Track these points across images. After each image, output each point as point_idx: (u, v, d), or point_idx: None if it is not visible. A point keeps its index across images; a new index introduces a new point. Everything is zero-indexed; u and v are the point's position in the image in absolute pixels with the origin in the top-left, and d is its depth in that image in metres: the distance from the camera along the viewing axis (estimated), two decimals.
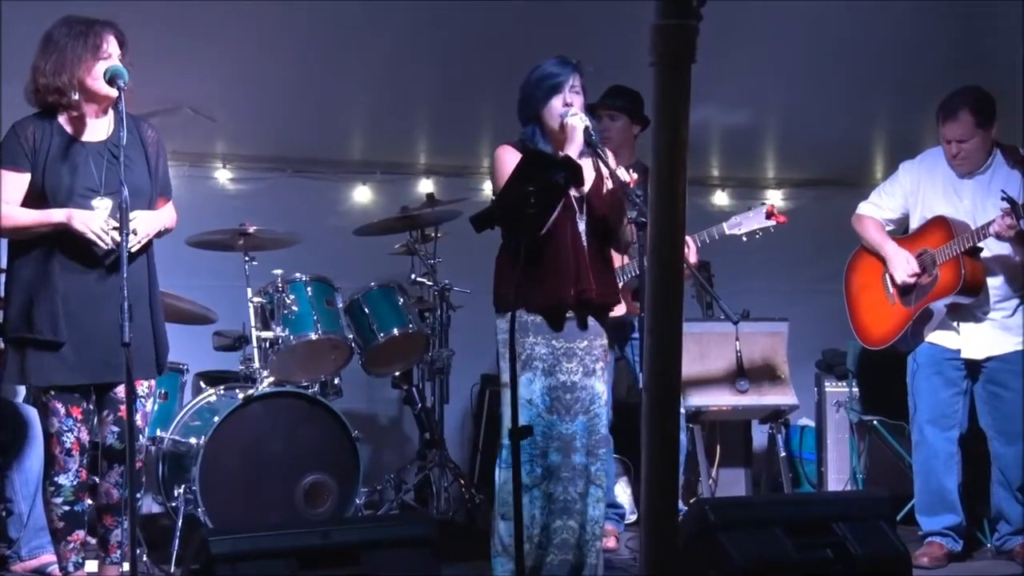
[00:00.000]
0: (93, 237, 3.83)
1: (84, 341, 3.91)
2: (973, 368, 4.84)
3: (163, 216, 4.09)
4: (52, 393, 3.94)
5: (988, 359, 4.80)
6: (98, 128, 4.01)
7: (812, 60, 5.99)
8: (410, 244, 5.83)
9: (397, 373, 5.84)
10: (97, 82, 3.90)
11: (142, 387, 4.01)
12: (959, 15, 5.67)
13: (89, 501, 4.13)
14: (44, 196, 3.91)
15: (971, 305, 4.77)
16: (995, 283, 4.77)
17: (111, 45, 3.92)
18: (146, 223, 3.94)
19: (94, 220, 3.84)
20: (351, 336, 5.36)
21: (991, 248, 4.72)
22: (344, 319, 5.37)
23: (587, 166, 4.05)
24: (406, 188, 6.60)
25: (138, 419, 3.96)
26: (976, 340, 4.80)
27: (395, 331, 5.45)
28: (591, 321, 4.10)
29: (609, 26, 5.38)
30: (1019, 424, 4.77)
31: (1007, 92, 5.22)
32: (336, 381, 5.44)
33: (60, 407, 3.94)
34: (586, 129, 4.04)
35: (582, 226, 4.08)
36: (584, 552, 4.04)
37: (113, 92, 3.86)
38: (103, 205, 3.88)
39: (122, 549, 4.05)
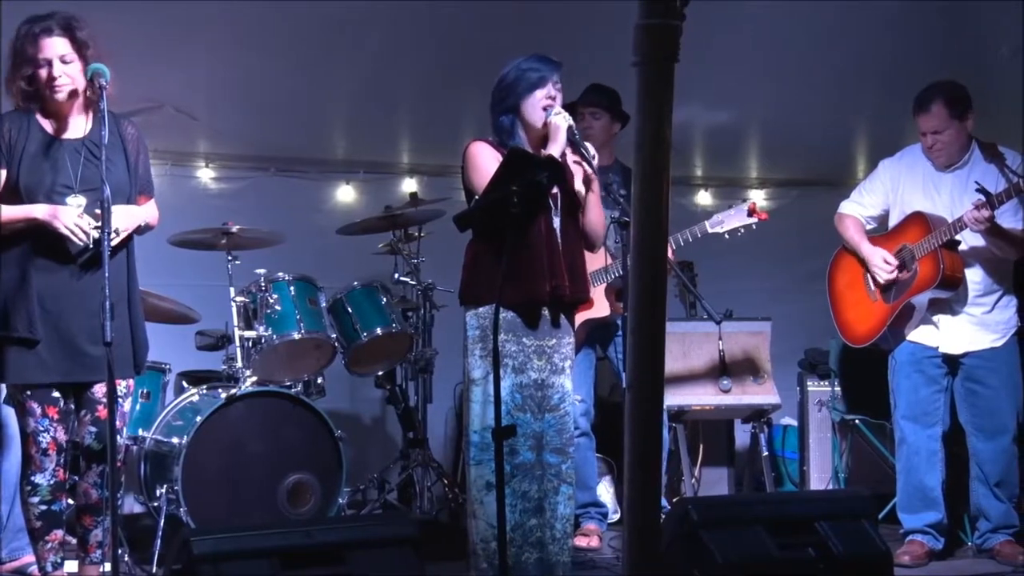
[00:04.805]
0: (66, 232, 3.81)
1: (60, 340, 3.88)
2: (952, 364, 4.86)
3: (142, 212, 4.06)
4: (28, 392, 3.92)
5: (965, 354, 4.83)
6: (76, 125, 3.99)
7: (795, 60, 6.01)
8: (393, 243, 5.83)
9: (380, 372, 5.84)
10: (43, 89, 3.88)
11: (120, 386, 3.97)
12: (942, 15, 5.69)
13: (69, 501, 4.11)
14: (19, 193, 3.88)
15: (950, 300, 4.80)
16: (975, 277, 4.80)
17: (53, 47, 3.85)
18: (124, 219, 3.91)
19: (67, 215, 3.82)
20: (334, 336, 5.35)
21: (969, 241, 4.75)
22: (327, 318, 5.36)
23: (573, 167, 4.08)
24: (389, 187, 6.60)
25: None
26: (954, 335, 4.83)
27: (378, 330, 5.44)
28: (561, 319, 4.11)
29: (591, 27, 5.39)
30: (997, 420, 4.81)
31: (992, 91, 5.25)
32: (319, 380, 5.44)
33: (36, 407, 3.91)
34: (569, 128, 4.06)
35: (557, 223, 4.08)
36: (556, 549, 4.05)
37: (61, 96, 3.86)
38: (77, 202, 3.86)
39: (102, 549, 4.03)
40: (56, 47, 3.86)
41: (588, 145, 4.13)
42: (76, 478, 4.10)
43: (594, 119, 5.27)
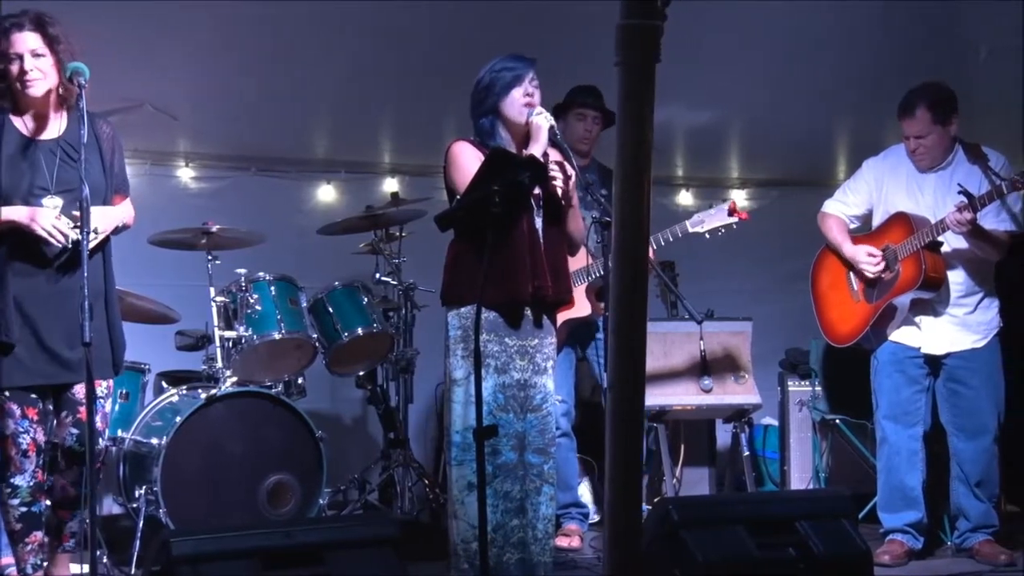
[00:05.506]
0: (44, 234, 3.79)
1: (38, 343, 3.87)
2: (934, 365, 4.88)
3: (118, 212, 4.05)
4: (7, 394, 3.89)
5: (947, 355, 4.84)
6: (51, 125, 3.97)
7: (776, 61, 6.01)
8: (375, 243, 5.80)
9: (361, 373, 5.82)
10: (14, 84, 3.86)
11: (100, 387, 3.97)
12: (925, 16, 5.70)
13: (47, 502, 4.09)
14: None
15: (932, 301, 4.81)
16: (957, 278, 4.81)
17: (24, 42, 3.83)
18: (102, 219, 3.89)
19: (45, 218, 3.80)
20: (315, 336, 5.33)
21: (951, 243, 4.77)
22: (308, 318, 5.33)
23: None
24: (371, 187, 6.58)
25: (97, 420, 3.91)
26: (936, 336, 4.84)
27: (359, 330, 5.42)
28: (544, 319, 4.11)
29: (573, 27, 5.38)
30: (978, 420, 4.82)
31: (974, 92, 5.26)
32: (300, 381, 5.41)
33: (15, 408, 3.89)
34: (551, 128, 4.06)
35: (539, 223, 4.08)
36: (537, 550, 4.05)
37: (33, 91, 3.84)
38: (53, 204, 3.84)
39: (76, 538, 4.03)
40: (27, 41, 3.84)
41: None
42: (52, 478, 4.07)
43: (595, 124, 5.28)
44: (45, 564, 4.05)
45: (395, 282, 5.75)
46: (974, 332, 4.83)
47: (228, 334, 5.06)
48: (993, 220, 4.74)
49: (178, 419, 4.79)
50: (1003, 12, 5.49)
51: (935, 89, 4.80)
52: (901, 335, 4.88)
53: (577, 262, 4.72)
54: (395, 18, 5.52)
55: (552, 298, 4.07)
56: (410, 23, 5.59)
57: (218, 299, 5.13)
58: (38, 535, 3.99)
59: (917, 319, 4.85)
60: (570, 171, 4.10)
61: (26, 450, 3.90)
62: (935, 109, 4.74)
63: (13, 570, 4.18)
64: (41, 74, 3.86)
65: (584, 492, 5.71)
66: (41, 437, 3.94)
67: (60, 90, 3.91)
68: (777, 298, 6.64)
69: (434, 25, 5.62)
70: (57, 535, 4.05)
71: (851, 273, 5.00)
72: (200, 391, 5.05)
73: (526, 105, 4.07)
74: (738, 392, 5.54)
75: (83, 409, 3.91)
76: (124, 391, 5.10)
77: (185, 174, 6.34)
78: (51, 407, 3.99)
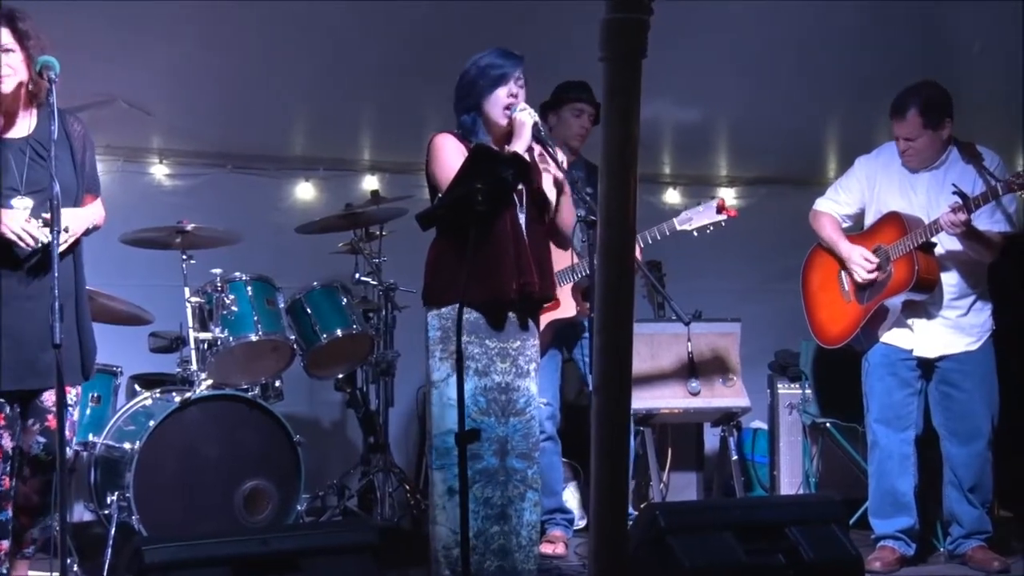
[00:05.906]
0: (13, 237, 3.72)
1: (10, 347, 3.78)
2: (927, 368, 4.82)
3: (89, 214, 3.99)
4: None
5: (941, 358, 4.79)
6: (20, 123, 3.90)
7: (765, 57, 5.99)
8: (354, 242, 5.75)
9: (340, 375, 5.76)
10: None
11: (69, 395, 3.89)
12: (915, 13, 5.68)
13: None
14: None
15: (925, 303, 4.76)
16: (950, 280, 4.76)
17: None
18: (73, 220, 3.82)
19: (14, 220, 3.73)
20: (293, 337, 5.26)
21: (945, 244, 4.71)
22: (286, 320, 5.27)
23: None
24: (350, 185, 6.52)
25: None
26: (929, 339, 4.79)
27: (338, 332, 5.35)
28: (528, 321, 4.06)
29: (556, 23, 5.33)
30: (971, 425, 4.78)
31: (964, 91, 5.21)
32: (277, 384, 5.34)
33: None
34: (535, 124, 4.04)
35: (522, 219, 4.03)
36: (521, 557, 3.98)
37: (3, 88, 3.77)
38: (23, 205, 3.78)
39: (35, 545, 3.98)
40: (3, 36, 3.77)
41: (557, 149, 4.11)
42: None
43: (590, 120, 5.22)
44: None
45: (375, 282, 5.68)
46: (967, 335, 4.78)
47: (203, 336, 4.99)
48: (987, 221, 4.69)
49: (151, 423, 4.71)
50: (997, 11, 5.45)
51: (929, 92, 4.73)
52: (893, 337, 4.83)
53: (562, 261, 4.68)
54: (375, 14, 5.47)
55: (539, 294, 4.02)
56: (390, 19, 5.54)
57: (193, 300, 5.05)
58: (4, 544, 3.91)
59: (909, 321, 4.80)
60: (561, 158, 4.06)
61: None
62: (927, 113, 4.69)
63: None
64: (11, 70, 3.80)
65: (569, 497, 5.64)
66: (8, 443, 3.88)
67: (30, 86, 3.86)
68: (766, 298, 6.61)
69: (415, 21, 5.58)
70: (17, 541, 3.98)
71: (843, 273, 4.94)
72: (174, 394, 4.98)
73: (507, 108, 4.02)
74: (726, 395, 5.49)
75: (51, 417, 3.87)
76: (96, 394, 5.04)
77: (159, 171, 6.25)
78: (18, 411, 3.90)
